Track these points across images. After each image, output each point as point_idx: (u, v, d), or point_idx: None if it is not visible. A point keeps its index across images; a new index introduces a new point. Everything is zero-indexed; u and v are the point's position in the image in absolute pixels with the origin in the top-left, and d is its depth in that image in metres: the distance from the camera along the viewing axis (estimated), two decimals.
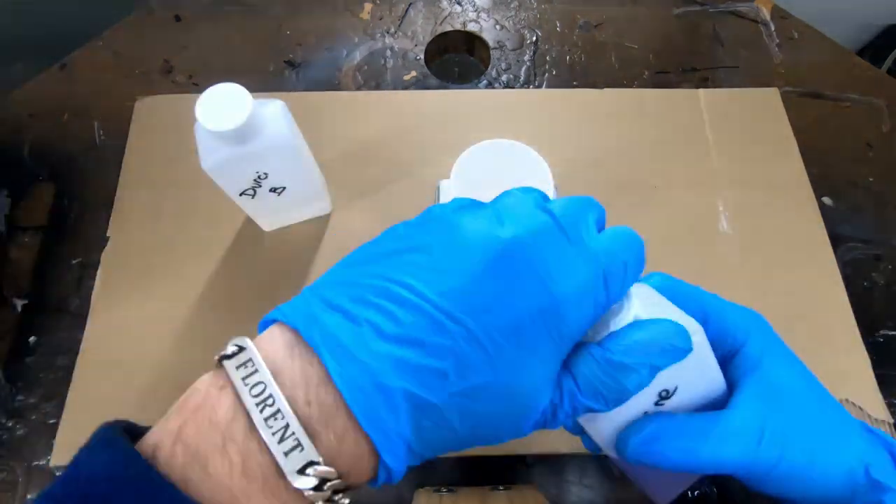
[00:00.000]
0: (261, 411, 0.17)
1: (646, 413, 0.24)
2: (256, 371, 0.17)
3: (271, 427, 0.17)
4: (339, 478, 0.17)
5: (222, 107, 0.31)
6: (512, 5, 0.56)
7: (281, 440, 0.17)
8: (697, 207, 0.45)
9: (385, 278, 0.18)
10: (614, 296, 0.20)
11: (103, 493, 0.16)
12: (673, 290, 0.26)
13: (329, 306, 0.18)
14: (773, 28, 0.55)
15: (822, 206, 0.45)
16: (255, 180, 0.36)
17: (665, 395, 0.23)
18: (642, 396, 0.22)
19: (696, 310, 0.25)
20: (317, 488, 0.17)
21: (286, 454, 0.16)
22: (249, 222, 0.43)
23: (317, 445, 0.17)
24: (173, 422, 0.17)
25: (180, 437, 0.17)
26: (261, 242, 0.43)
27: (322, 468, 0.17)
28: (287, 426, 0.17)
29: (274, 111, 0.34)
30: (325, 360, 0.17)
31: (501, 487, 0.35)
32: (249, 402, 0.17)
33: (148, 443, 0.17)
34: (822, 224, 0.44)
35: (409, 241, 0.20)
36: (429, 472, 0.38)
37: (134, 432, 0.18)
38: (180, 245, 0.43)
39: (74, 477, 0.17)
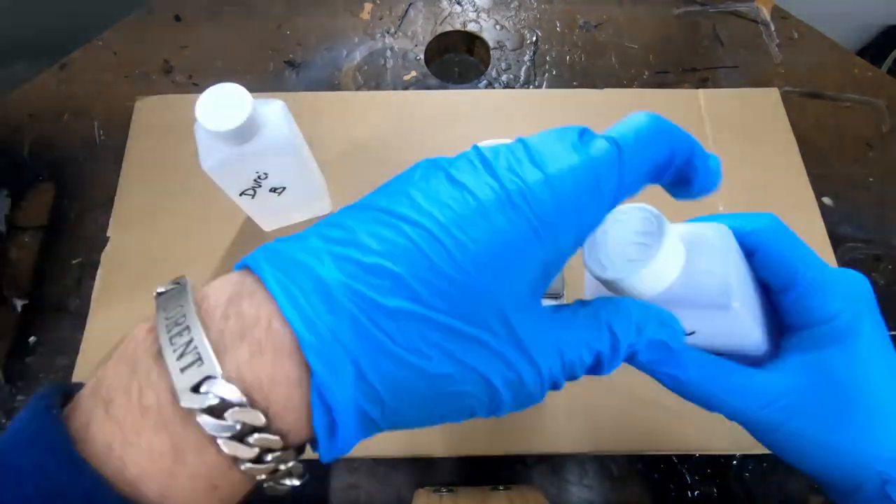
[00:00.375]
0: (168, 331, 0.14)
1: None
2: (182, 298, 0.15)
3: (174, 344, 0.14)
4: (250, 405, 0.14)
5: (222, 107, 0.31)
6: (512, 5, 0.56)
7: (181, 356, 0.14)
8: (698, 207, 0.45)
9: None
10: (621, 188, 0.17)
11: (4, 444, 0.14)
12: (774, 240, 0.23)
13: (285, 240, 0.17)
14: (773, 28, 0.55)
15: (822, 206, 0.45)
16: (255, 180, 0.36)
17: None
18: None
19: (784, 277, 0.22)
20: (215, 414, 0.14)
21: (182, 370, 0.14)
22: (249, 222, 0.43)
23: (222, 360, 0.14)
24: (101, 370, 0.15)
25: (100, 383, 0.15)
26: (261, 242, 0.43)
27: (221, 385, 0.14)
28: (191, 341, 0.14)
29: (274, 111, 0.34)
30: (259, 268, 0.16)
31: (501, 487, 0.35)
32: (161, 325, 0.15)
33: (81, 394, 0.16)
34: (822, 224, 0.44)
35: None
36: (429, 472, 0.38)
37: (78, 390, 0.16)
38: (180, 245, 0.43)
39: None
